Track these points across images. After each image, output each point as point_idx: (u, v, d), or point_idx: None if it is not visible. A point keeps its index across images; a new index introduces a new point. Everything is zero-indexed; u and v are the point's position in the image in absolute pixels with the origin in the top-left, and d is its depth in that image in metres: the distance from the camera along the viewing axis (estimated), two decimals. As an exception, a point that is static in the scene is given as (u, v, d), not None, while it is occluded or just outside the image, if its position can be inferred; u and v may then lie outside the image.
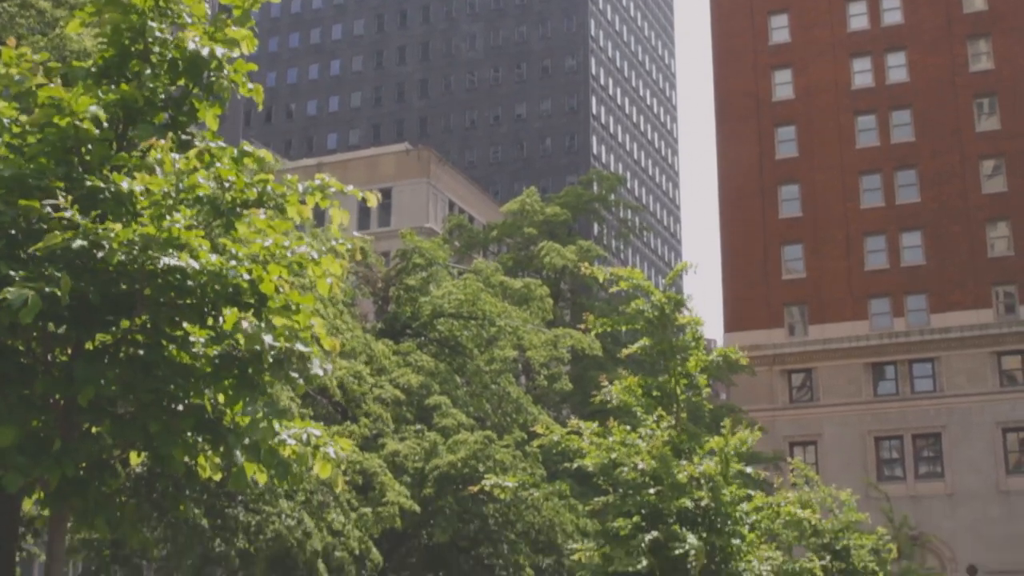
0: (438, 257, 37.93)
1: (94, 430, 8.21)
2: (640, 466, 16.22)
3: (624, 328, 19.34)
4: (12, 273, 7.45)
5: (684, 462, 16.38)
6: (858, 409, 65.25)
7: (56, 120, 8.05)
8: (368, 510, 26.60)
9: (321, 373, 7.81)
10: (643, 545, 15.40)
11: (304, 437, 7.80)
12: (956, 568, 59.98)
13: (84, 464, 7.89)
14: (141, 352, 8.01)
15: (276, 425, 7.69)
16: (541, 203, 58.02)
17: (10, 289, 7.11)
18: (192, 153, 8.32)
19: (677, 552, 15.06)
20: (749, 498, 17.02)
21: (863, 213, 67.54)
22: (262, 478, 7.88)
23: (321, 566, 24.45)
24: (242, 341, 7.68)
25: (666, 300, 17.93)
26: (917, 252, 66.88)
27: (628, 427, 17.56)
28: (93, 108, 8.15)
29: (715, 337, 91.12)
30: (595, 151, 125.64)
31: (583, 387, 20.70)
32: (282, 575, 26.12)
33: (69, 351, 8.10)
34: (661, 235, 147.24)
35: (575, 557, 16.87)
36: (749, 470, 17.29)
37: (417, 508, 27.66)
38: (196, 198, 8.20)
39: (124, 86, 8.78)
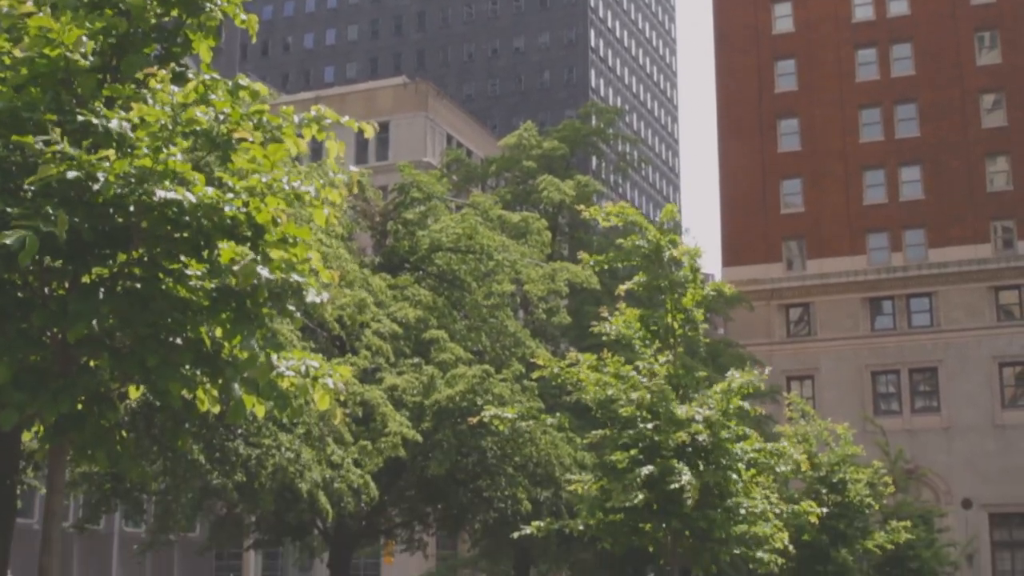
0: (436, 191, 37.76)
1: (92, 364, 8.19)
2: (634, 397, 16.25)
3: (621, 265, 19.32)
4: (9, 209, 7.40)
5: (684, 402, 16.41)
6: (855, 344, 65.46)
7: (46, 51, 7.95)
8: (368, 442, 26.68)
9: (318, 300, 7.76)
10: (639, 479, 15.46)
11: (303, 368, 7.77)
12: (951, 501, 60.45)
13: (82, 398, 7.88)
14: (138, 286, 7.98)
15: (274, 357, 7.67)
16: (539, 137, 57.73)
17: (7, 232, 7.06)
18: (190, 86, 8.24)
19: (672, 487, 15.12)
20: (747, 437, 17.08)
21: (862, 147, 67.36)
22: (260, 411, 7.86)
23: (322, 497, 24.56)
24: (239, 275, 7.65)
25: (661, 235, 17.88)
26: (916, 187, 66.80)
27: (624, 360, 17.60)
28: (84, 39, 8.04)
29: (713, 272, 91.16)
30: (593, 84, 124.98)
31: (581, 321, 20.73)
32: (283, 507, 26.26)
33: (66, 285, 8.06)
34: (660, 169, 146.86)
35: (572, 488, 16.95)
36: (747, 406, 17.31)
37: (419, 438, 27.73)
38: (192, 131, 8.12)
39: (110, 11, 8.65)
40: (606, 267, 19.75)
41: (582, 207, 20.08)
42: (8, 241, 6.99)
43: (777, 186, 68.89)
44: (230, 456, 23.52)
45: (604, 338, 18.35)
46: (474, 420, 19.74)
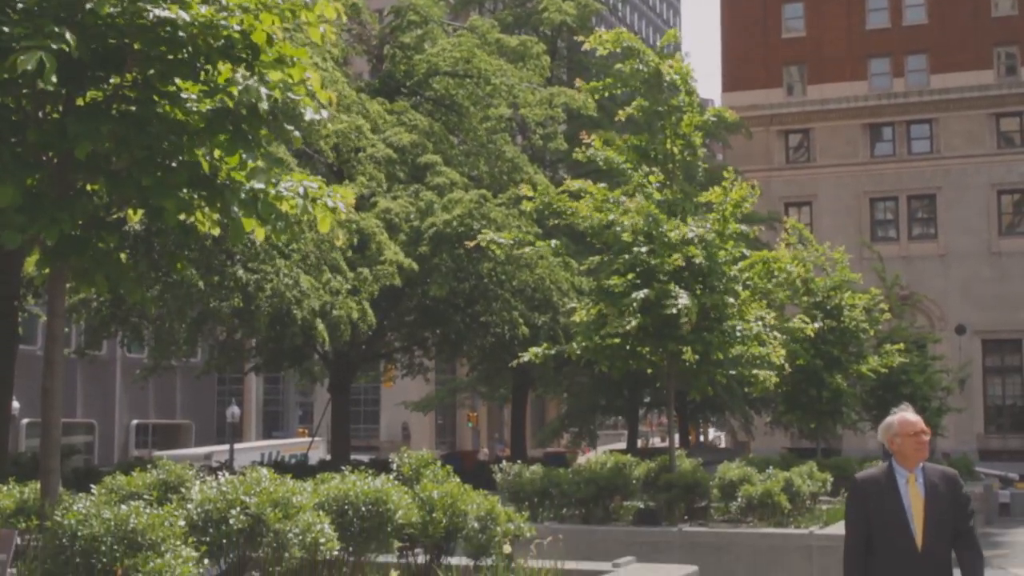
0: (433, 14, 37.17)
1: (89, 187, 8.14)
2: (626, 223, 16.23)
3: (619, 91, 19.11)
4: (6, 29, 7.25)
5: (678, 221, 16.37)
6: (854, 170, 65.25)
7: None
8: (366, 270, 26.78)
9: (316, 118, 7.66)
10: (635, 304, 15.52)
11: (301, 190, 7.71)
12: (945, 327, 61.01)
13: (81, 222, 7.84)
14: (133, 108, 7.88)
15: (273, 178, 7.60)
16: (538, -42, 56.54)
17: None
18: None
19: (669, 311, 15.19)
20: (744, 256, 17.08)
21: (865, -30, 66.17)
22: (260, 233, 7.83)
23: (319, 324, 24.75)
24: (236, 94, 7.54)
25: (660, 59, 17.64)
26: (919, 11, 65.74)
27: (613, 185, 17.54)
28: None
29: (713, 98, 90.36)
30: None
31: (578, 147, 20.50)
32: (282, 333, 26.47)
33: (60, 108, 7.96)
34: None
35: (575, 318, 17.03)
36: (745, 228, 17.30)
37: (415, 266, 27.83)
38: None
39: None
40: (605, 94, 19.56)
41: (581, 38, 19.77)
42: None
43: (779, 10, 67.79)
44: (228, 281, 23.63)
45: (598, 164, 18.27)
46: (471, 243, 19.75)
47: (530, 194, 17.70)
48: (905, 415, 7.71)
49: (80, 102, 7.91)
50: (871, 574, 7.59)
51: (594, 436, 56.66)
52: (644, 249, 16.03)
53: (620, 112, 18.44)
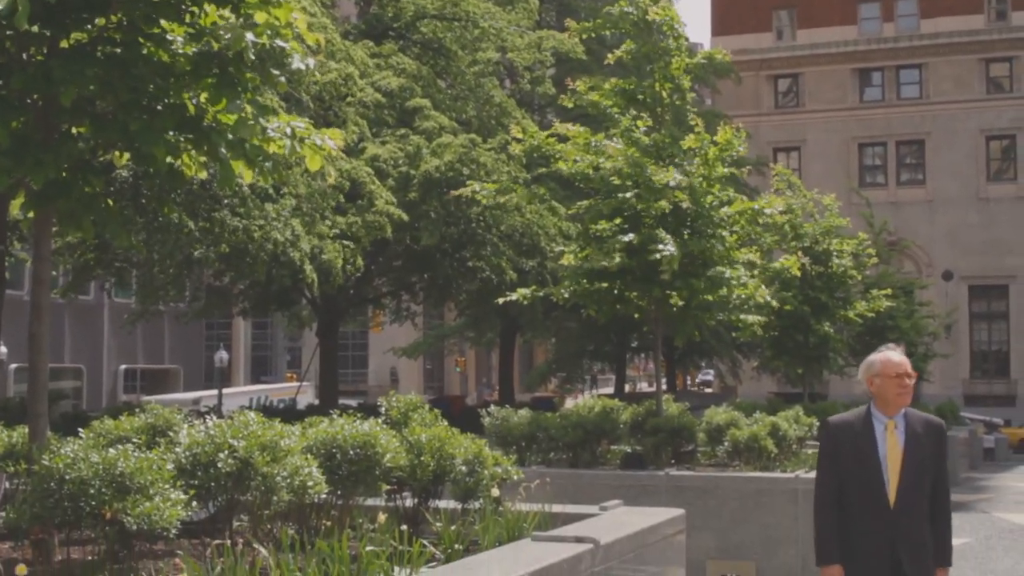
0: (420, -44, 36.88)
1: (74, 130, 8.09)
2: (608, 166, 16.18)
3: (608, 32, 18.99)
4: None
5: (665, 166, 16.31)
6: (843, 115, 65.16)
7: None
8: (357, 219, 26.73)
9: (303, 67, 7.61)
10: (618, 247, 15.50)
11: (288, 130, 7.66)
12: (932, 273, 61.18)
13: (67, 165, 7.80)
14: (118, 51, 7.80)
15: (261, 120, 7.55)
16: None
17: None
18: None
19: (653, 256, 15.18)
20: (731, 201, 17.05)
21: (857, -87, 65.76)
22: (248, 175, 7.78)
23: (308, 267, 24.72)
24: (222, 37, 7.47)
25: (649, 2, 17.50)
26: (910, -45, 65.49)
27: (602, 130, 17.47)
28: None
29: (702, 42, 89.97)
30: None
31: (566, 91, 20.31)
32: (270, 278, 26.44)
33: (44, 50, 7.89)
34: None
35: (563, 261, 17.01)
36: (732, 171, 17.25)
37: (405, 216, 27.78)
38: None
39: None
40: (594, 35, 19.44)
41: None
42: (0, 6, 6.79)
43: (769, -46, 67.45)
44: (216, 226, 23.57)
45: (587, 109, 18.19)
46: (456, 193, 19.70)
47: (520, 136, 17.62)
48: (889, 354, 6.99)
49: (64, 44, 7.84)
50: (843, 529, 6.94)
51: (583, 378, 56.89)
52: (630, 194, 15.99)
53: (609, 56, 18.35)
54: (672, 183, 15.79)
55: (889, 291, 29.51)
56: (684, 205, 15.86)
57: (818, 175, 58.02)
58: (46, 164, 7.39)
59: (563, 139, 17.14)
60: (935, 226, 63.32)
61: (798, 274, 20.09)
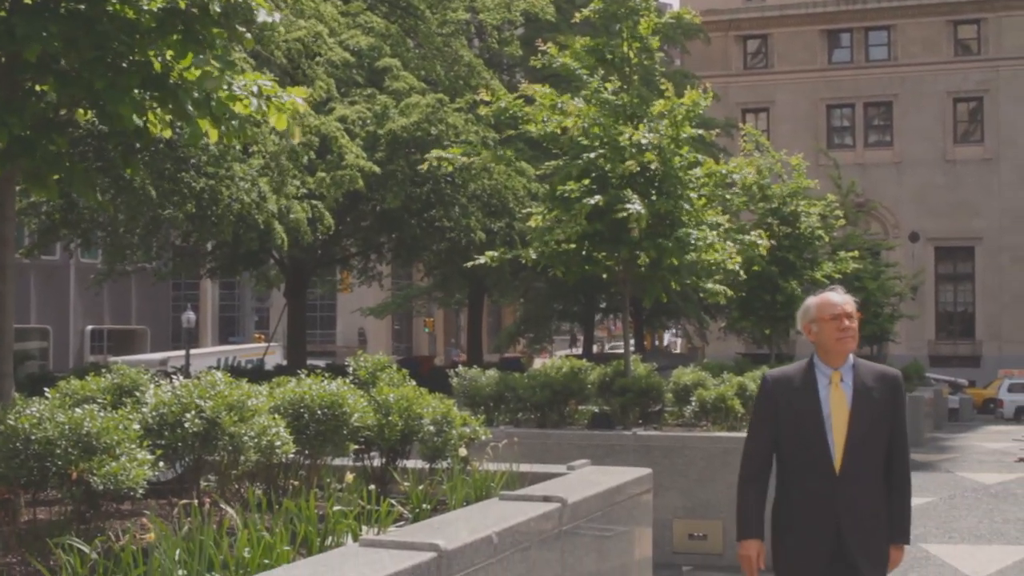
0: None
1: (37, 88, 8.00)
2: (569, 123, 16.14)
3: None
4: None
5: (630, 127, 16.28)
6: (811, 76, 65.25)
7: None
8: (325, 175, 26.59)
9: (270, 20, 7.54)
10: (586, 209, 15.49)
11: (255, 88, 7.60)
12: (899, 235, 61.54)
13: (30, 124, 7.72)
14: (82, 7, 7.72)
15: (227, 77, 7.48)
16: None
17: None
18: None
19: (620, 216, 15.17)
20: (700, 163, 17.05)
21: None
22: (214, 135, 7.72)
23: (278, 227, 24.61)
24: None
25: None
26: (880, -88, 65.45)
27: (571, 92, 17.41)
28: None
29: (671, 1, 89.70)
30: None
31: (535, 52, 20.14)
32: (238, 238, 26.31)
33: (7, 6, 7.79)
34: None
35: (530, 223, 16.97)
36: (701, 132, 17.23)
37: (377, 170, 27.65)
38: None
39: None
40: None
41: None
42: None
43: (738, -89, 67.26)
44: (182, 188, 23.41)
45: (556, 69, 18.12)
46: (423, 166, 19.61)
47: (488, 99, 17.54)
48: (827, 295, 6.22)
49: (27, 0, 7.75)
50: (782, 497, 6.28)
51: (549, 338, 57.00)
52: (594, 155, 15.95)
53: (576, 15, 18.27)
54: (644, 141, 15.77)
55: (856, 253, 29.63)
56: (652, 166, 15.85)
57: (786, 136, 58.11)
58: (10, 123, 7.31)
59: (531, 100, 17.08)
60: (902, 188, 63.61)
61: (764, 253, 20.12)
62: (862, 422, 6.00)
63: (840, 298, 6.18)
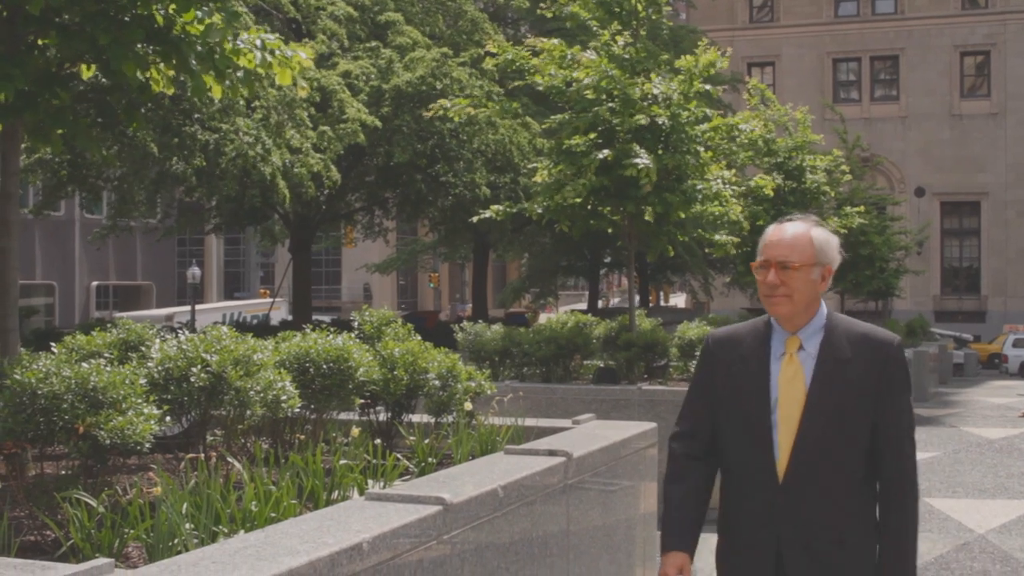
0: None
1: (40, 42, 7.97)
2: (584, 81, 16.07)
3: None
4: None
5: (641, 79, 16.22)
6: (818, 30, 64.86)
7: None
8: (327, 128, 26.53)
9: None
10: (595, 164, 15.46)
11: (259, 42, 7.57)
12: (905, 189, 61.37)
13: (33, 78, 7.69)
14: (84, -40, 7.68)
15: (230, 34, 7.46)
16: None
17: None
18: None
19: (628, 171, 15.13)
20: (708, 118, 16.99)
21: None
22: (217, 91, 7.69)
23: (281, 182, 24.58)
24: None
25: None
26: None
27: (578, 45, 17.32)
28: None
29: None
30: None
31: (539, 4, 20.00)
32: (242, 193, 26.28)
33: (9, -39, 7.76)
34: None
35: (536, 179, 16.93)
36: (708, 88, 17.17)
37: (379, 123, 27.58)
38: None
39: None
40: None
41: None
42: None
43: None
44: (187, 141, 23.38)
45: (568, 23, 18.02)
46: (429, 113, 19.52)
47: (495, 51, 17.47)
48: (772, 226, 4.28)
49: (30, -46, 7.70)
50: (722, 513, 4.49)
51: (554, 293, 57.04)
52: (605, 108, 15.90)
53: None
54: (656, 92, 15.72)
55: (862, 208, 29.62)
56: (660, 120, 15.79)
57: (792, 90, 57.89)
58: (14, 76, 7.28)
59: (537, 53, 17.00)
60: (908, 142, 63.39)
61: (771, 194, 20.11)
62: (824, 410, 4.05)
63: (780, 235, 4.16)
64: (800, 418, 4.07)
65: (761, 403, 4.15)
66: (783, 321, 4.21)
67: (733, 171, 18.66)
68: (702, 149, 16.53)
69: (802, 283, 4.12)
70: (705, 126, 16.74)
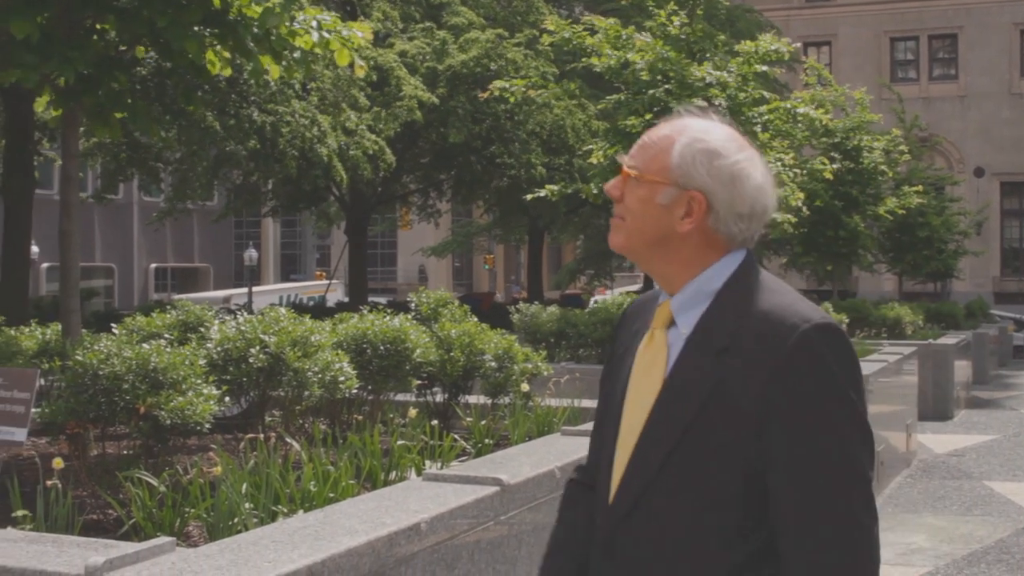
0: None
1: (98, 26, 8.03)
2: (640, 63, 15.97)
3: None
4: None
5: (696, 64, 16.11)
6: (875, 9, 64.15)
7: None
8: (383, 109, 26.59)
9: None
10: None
11: (315, 23, 7.58)
12: (964, 170, 60.62)
13: (92, 62, 7.75)
14: (142, -56, 7.72)
15: (288, 12, 7.48)
16: None
17: None
18: None
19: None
20: (765, 101, 16.85)
21: None
22: (275, 71, 7.72)
23: (338, 164, 24.67)
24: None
25: None
26: None
27: (624, 25, 17.22)
28: None
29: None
30: None
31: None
32: (299, 175, 26.40)
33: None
34: None
35: (591, 160, 16.86)
36: (765, 69, 17.02)
37: (436, 100, 27.59)
38: None
39: None
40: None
41: None
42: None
43: None
44: (244, 123, 23.52)
45: (622, 2, 17.92)
46: (484, 95, 19.47)
47: (552, 28, 17.39)
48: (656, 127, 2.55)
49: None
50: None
51: (610, 275, 56.92)
52: (661, 90, 15.80)
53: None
54: (715, 74, 15.61)
55: (920, 188, 29.27)
56: (717, 102, 15.68)
57: (849, 70, 57.34)
58: (74, 60, 7.34)
59: (594, 32, 16.91)
60: (967, 122, 62.59)
61: (831, 178, 19.91)
62: (670, 428, 2.37)
63: (659, 132, 2.51)
64: (643, 426, 2.43)
65: (612, 401, 2.59)
66: (657, 278, 2.52)
67: (791, 154, 18.50)
68: (759, 130, 16.40)
69: (638, 205, 2.46)
70: (763, 108, 16.60)
